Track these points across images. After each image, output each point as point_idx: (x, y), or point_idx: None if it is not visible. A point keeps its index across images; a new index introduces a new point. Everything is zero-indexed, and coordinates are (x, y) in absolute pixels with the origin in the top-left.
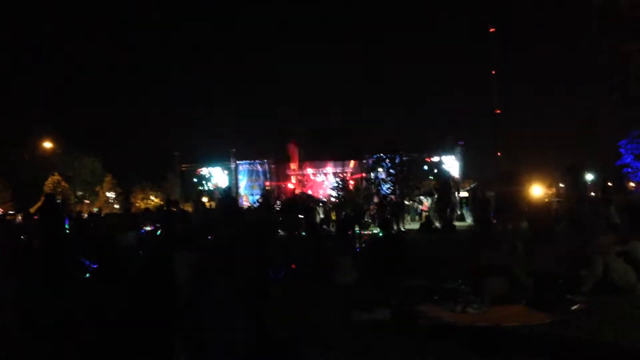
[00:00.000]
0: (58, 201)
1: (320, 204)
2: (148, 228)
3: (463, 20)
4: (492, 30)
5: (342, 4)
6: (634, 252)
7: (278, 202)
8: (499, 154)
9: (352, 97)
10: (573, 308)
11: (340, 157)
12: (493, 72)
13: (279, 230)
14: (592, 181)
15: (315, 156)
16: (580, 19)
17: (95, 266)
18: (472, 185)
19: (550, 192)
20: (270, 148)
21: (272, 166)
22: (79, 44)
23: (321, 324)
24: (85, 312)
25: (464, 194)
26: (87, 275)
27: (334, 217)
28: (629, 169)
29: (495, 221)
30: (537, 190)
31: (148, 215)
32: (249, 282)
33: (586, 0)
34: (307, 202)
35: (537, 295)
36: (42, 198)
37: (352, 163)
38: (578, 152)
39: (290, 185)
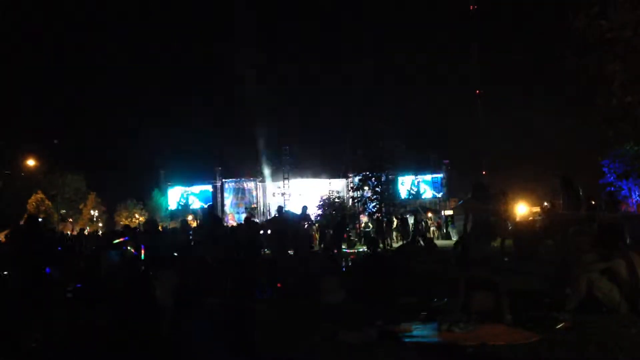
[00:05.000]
0: (40, 220)
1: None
2: (130, 248)
3: (448, 39)
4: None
5: (328, 22)
6: (618, 270)
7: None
8: (483, 172)
9: (337, 116)
10: (558, 326)
11: (326, 176)
12: (477, 91)
13: (266, 249)
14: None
15: (302, 174)
16: (563, 40)
17: (77, 285)
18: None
19: (534, 210)
20: (257, 166)
21: (259, 184)
22: (63, 60)
23: (308, 344)
24: (67, 333)
25: (449, 212)
26: (69, 295)
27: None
28: (612, 188)
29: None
30: (521, 209)
31: (129, 233)
32: (236, 301)
33: (568, 22)
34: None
35: (522, 313)
36: (25, 218)
37: (338, 181)
38: (561, 171)
39: (276, 204)
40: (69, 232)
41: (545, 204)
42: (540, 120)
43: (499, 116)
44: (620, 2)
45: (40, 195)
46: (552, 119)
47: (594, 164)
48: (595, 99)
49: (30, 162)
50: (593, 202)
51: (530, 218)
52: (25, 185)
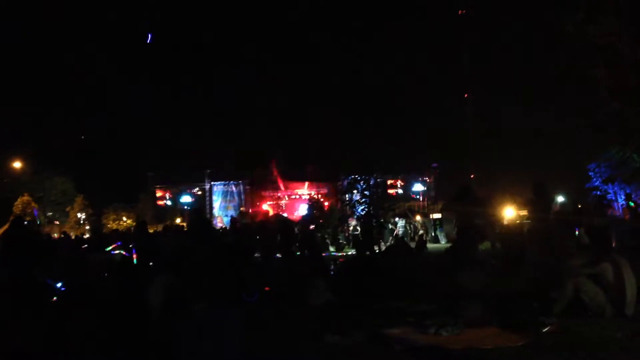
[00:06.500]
0: (25, 222)
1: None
2: (119, 252)
3: (436, 42)
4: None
5: (315, 24)
6: (604, 274)
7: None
8: (472, 176)
9: (326, 119)
10: (544, 330)
11: (315, 179)
12: (466, 95)
13: (254, 252)
14: (562, 203)
15: (291, 177)
16: (552, 44)
17: (63, 289)
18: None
19: (522, 213)
20: (245, 169)
21: (247, 187)
22: (48, 61)
23: (295, 347)
24: (53, 336)
25: (437, 215)
26: (55, 298)
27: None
28: (598, 192)
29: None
30: (509, 212)
31: (117, 236)
32: (223, 304)
33: (557, 26)
34: (285, 225)
35: (509, 316)
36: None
37: (326, 185)
38: (549, 175)
39: (265, 207)
40: (55, 235)
41: (529, 206)
42: (529, 123)
43: (488, 119)
44: (606, 8)
45: (26, 198)
46: (540, 123)
47: (580, 167)
48: (582, 104)
49: (17, 164)
50: (580, 206)
51: (518, 221)
52: (11, 187)
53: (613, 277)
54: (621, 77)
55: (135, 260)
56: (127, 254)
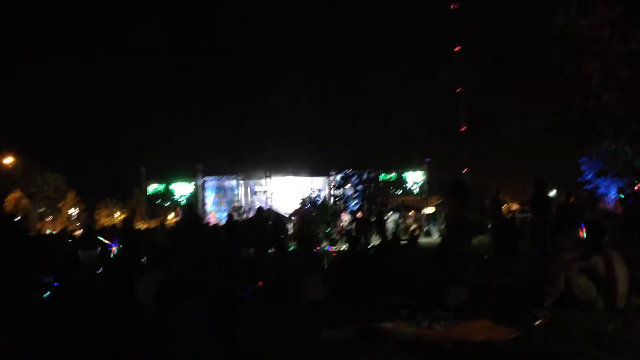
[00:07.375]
0: (17, 219)
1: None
2: (115, 247)
3: (429, 38)
4: (457, 48)
5: (308, 20)
6: (595, 267)
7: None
8: (465, 170)
9: (319, 113)
10: (536, 323)
11: (308, 174)
12: (458, 89)
13: (247, 247)
14: (554, 197)
15: (283, 172)
16: (542, 39)
17: (56, 284)
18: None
19: (514, 207)
20: (238, 164)
21: (240, 182)
22: (41, 57)
23: (289, 342)
24: (45, 333)
25: (430, 209)
26: (48, 293)
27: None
28: (590, 185)
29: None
30: (502, 206)
31: (113, 232)
32: (217, 300)
33: (548, 20)
34: (277, 219)
35: (502, 309)
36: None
37: (319, 179)
38: (542, 169)
39: (258, 202)
40: (48, 231)
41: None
42: (521, 118)
43: (480, 114)
44: (598, 0)
45: (18, 194)
46: (532, 117)
47: (572, 161)
48: (574, 98)
49: (8, 160)
50: (572, 200)
51: (510, 215)
52: (3, 183)
53: (604, 270)
54: (613, 70)
55: (112, 255)
56: (116, 247)
